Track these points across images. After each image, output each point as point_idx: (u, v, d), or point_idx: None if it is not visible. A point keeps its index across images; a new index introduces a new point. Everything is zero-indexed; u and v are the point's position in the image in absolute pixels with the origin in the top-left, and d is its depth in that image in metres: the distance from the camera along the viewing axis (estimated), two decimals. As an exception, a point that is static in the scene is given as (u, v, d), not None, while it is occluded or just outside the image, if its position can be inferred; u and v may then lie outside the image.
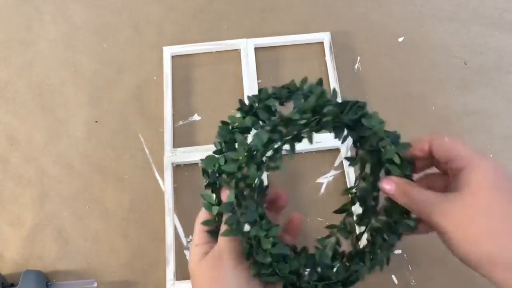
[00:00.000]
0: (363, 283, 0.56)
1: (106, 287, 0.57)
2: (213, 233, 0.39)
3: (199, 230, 0.39)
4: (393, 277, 0.56)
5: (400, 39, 0.72)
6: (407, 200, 0.35)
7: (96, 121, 0.66)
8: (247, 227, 0.34)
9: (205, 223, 0.39)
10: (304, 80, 0.39)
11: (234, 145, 0.37)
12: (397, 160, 0.36)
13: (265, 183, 0.60)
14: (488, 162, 0.32)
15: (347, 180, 0.61)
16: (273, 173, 0.62)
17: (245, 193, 0.35)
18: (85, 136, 0.65)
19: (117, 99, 0.68)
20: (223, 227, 0.36)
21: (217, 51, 0.71)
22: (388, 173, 0.38)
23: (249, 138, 0.37)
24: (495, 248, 0.29)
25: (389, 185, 0.36)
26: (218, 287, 0.34)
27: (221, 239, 0.36)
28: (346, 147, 0.62)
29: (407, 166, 0.37)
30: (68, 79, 0.69)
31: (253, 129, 0.37)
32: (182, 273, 0.57)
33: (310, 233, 0.58)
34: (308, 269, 0.37)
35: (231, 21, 0.73)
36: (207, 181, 0.39)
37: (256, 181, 0.35)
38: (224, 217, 0.36)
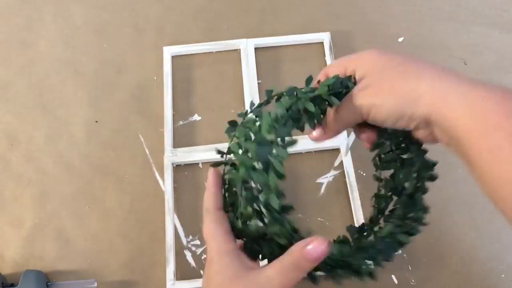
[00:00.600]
0: (363, 283, 0.56)
1: (106, 287, 0.57)
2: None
3: (226, 230, 0.35)
4: (393, 277, 0.56)
5: (400, 39, 0.72)
6: (337, 130, 0.38)
7: (96, 121, 0.66)
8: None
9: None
10: (309, 79, 0.38)
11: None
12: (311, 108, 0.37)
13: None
14: (371, 51, 0.37)
15: (347, 180, 0.61)
16: (273, 173, 0.62)
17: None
18: (85, 136, 0.65)
19: (117, 99, 0.68)
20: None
21: (217, 51, 0.71)
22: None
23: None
24: (411, 83, 0.33)
25: (317, 133, 0.39)
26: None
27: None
28: (346, 147, 0.62)
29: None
30: (68, 79, 0.70)
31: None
32: (182, 273, 0.57)
33: (310, 234, 0.58)
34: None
35: (231, 21, 0.73)
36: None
37: None
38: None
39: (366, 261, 0.37)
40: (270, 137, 0.33)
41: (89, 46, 0.72)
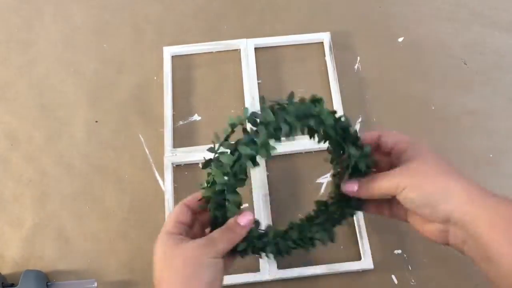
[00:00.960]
0: (363, 283, 0.56)
1: (106, 287, 0.57)
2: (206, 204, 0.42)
3: (174, 219, 0.42)
4: (393, 277, 0.56)
5: (400, 39, 0.72)
6: (371, 194, 0.42)
7: (96, 121, 0.66)
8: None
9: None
10: (291, 95, 0.40)
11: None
12: (363, 167, 0.42)
13: (265, 182, 0.60)
14: (424, 143, 0.42)
15: (347, 180, 0.61)
16: (273, 173, 0.62)
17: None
18: (85, 136, 0.65)
19: (117, 99, 0.68)
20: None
21: (217, 51, 0.71)
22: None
23: None
24: (450, 182, 0.37)
25: (352, 187, 0.43)
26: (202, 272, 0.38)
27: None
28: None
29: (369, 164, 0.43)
30: (68, 79, 0.70)
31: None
32: (182, 273, 0.57)
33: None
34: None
35: (231, 21, 0.73)
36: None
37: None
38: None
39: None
40: (221, 186, 0.39)
41: (89, 46, 0.72)
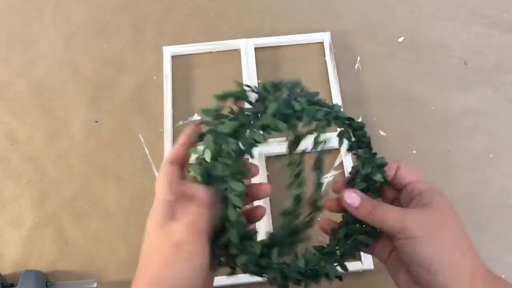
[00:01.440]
0: (363, 283, 0.56)
1: (106, 287, 0.57)
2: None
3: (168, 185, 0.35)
4: (393, 277, 0.56)
5: (400, 39, 0.72)
6: (371, 219, 0.36)
7: (96, 121, 0.66)
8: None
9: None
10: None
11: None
12: (380, 178, 0.37)
13: (265, 181, 0.60)
14: (444, 194, 0.36)
15: (347, 180, 0.61)
16: (273, 173, 0.62)
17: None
18: (85, 136, 0.65)
19: (117, 99, 0.68)
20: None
21: (217, 51, 0.71)
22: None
23: None
24: (464, 261, 0.33)
25: (352, 200, 0.37)
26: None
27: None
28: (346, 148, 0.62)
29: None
30: (68, 79, 0.69)
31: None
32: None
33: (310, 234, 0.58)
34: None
35: (231, 21, 0.73)
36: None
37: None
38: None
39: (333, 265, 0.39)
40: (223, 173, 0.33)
41: (89, 46, 0.72)
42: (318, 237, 0.56)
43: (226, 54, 0.70)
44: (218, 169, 0.33)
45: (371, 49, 0.71)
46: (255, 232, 0.35)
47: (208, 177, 0.34)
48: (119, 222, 0.60)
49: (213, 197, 0.33)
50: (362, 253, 0.56)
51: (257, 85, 0.51)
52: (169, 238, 0.34)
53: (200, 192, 0.33)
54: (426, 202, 0.35)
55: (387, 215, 0.35)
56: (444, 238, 0.33)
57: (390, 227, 0.35)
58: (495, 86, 0.68)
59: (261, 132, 0.33)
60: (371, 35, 0.72)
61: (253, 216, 0.39)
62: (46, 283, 0.56)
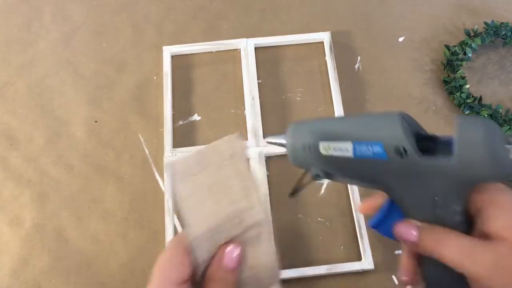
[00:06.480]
0: (364, 283, 0.56)
1: (106, 287, 0.57)
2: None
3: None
4: (394, 277, 0.56)
5: (400, 39, 0.72)
6: (439, 250, 0.29)
7: (96, 121, 0.66)
8: None
9: None
10: None
11: None
12: None
13: (265, 182, 0.60)
14: (508, 196, 0.28)
15: (347, 180, 0.61)
16: (272, 173, 0.62)
17: None
18: (85, 136, 0.65)
19: (117, 99, 0.68)
20: None
21: (217, 51, 0.71)
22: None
23: None
24: None
25: (409, 232, 0.30)
26: None
27: None
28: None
29: None
30: (68, 79, 0.69)
31: None
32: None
33: (310, 234, 0.58)
34: None
35: (231, 21, 0.73)
36: None
37: None
38: None
39: None
40: None
41: (89, 46, 0.72)
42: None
43: (226, 54, 0.70)
44: None
45: (371, 49, 0.71)
46: None
47: None
48: (119, 222, 0.60)
49: None
50: (362, 254, 0.56)
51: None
52: None
53: None
54: (492, 228, 0.28)
55: (450, 249, 0.28)
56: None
57: (456, 263, 0.28)
58: (495, 86, 0.68)
59: None
60: (371, 35, 0.72)
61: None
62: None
